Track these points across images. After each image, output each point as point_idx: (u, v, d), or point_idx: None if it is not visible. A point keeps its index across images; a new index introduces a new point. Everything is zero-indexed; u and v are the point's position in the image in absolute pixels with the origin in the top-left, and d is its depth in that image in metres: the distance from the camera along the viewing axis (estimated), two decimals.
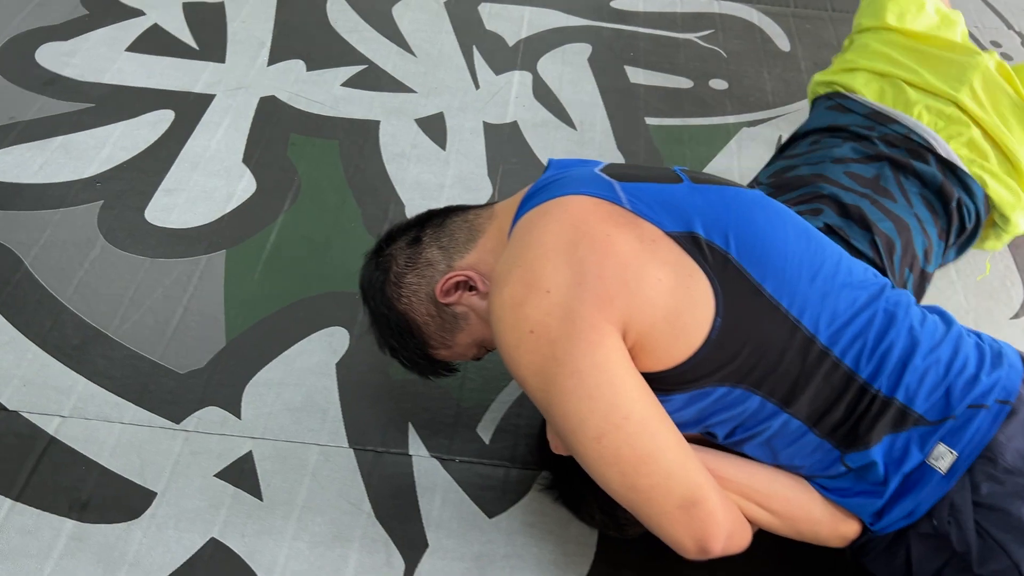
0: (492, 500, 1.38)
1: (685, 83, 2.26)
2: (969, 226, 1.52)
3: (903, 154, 1.49)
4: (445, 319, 1.22)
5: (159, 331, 1.58)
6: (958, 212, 1.49)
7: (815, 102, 1.69)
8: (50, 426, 1.42)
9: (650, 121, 2.12)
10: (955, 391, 1.05)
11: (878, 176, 1.47)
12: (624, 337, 1.04)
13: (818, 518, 1.12)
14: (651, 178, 1.16)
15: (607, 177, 1.15)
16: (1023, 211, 1.57)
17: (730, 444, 1.14)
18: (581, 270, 1.04)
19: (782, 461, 1.12)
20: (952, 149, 1.50)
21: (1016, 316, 1.72)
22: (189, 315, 1.61)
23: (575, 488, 1.30)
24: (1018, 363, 1.10)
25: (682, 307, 1.04)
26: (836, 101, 1.62)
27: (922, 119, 1.53)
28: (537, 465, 1.41)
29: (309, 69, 2.20)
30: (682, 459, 1.03)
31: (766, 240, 1.09)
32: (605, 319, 1.02)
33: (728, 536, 1.05)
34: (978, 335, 1.14)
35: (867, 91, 1.59)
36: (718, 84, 2.27)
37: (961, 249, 1.60)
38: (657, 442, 1.03)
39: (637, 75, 2.27)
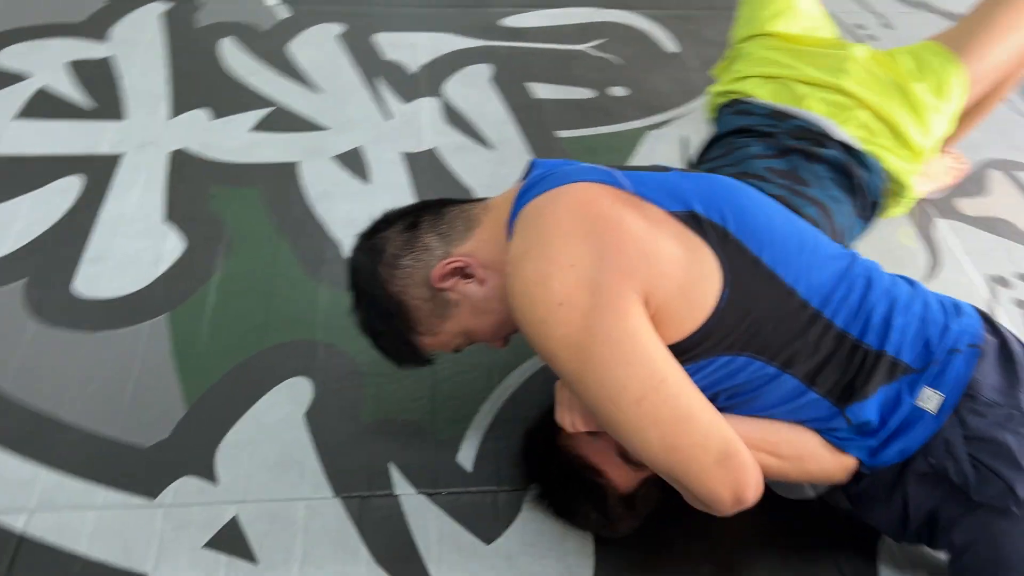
0: (487, 526, 1.40)
1: (587, 93, 2.33)
2: (871, 199, 1.65)
3: (808, 144, 1.60)
4: (437, 304, 1.25)
5: (113, 407, 1.52)
6: (863, 188, 1.61)
7: (719, 111, 1.78)
8: (17, 523, 1.36)
9: (561, 134, 2.19)
10: (932, 340, 1.17)
11: (793, 167, 1.57)
12: (645, 307, 1.09)
13: (822, 453, 1.20)
14: (643, 168, 1.24)
15: (605, 167, 1.21)
16: (914, 174, 1.71)
17: (731, 407, 1.19)
18: (601, 245, 1.09)
19: (780, 418, 1.20)
20: (847, 132, 1.63)
21: (923, 280, 1.86)
22: (142, 386, 1.56)
23: (566, 493, 1.34)
24: (974, 312, 1.23)
25: (693, 279, 1.12)
26: (737, 107, 1.72)
27: (815, 110, 1.65)
28: (525, 475, 1.44)
29: (215, 118, 2.16)
30: (712, 416, 1.09)
31: (756, 217, 1.19)
32: (630, 289, 1.08)
33: (757, 485, 1.11)
34: (935, 293, 1.27)
35: (762, 93, 1.70)
36: (618, 91, 2.35)
37: (869, 221, 1.73)
38: (691, 401, 1.08)
39: (540, 90, 2.33)
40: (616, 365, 1.07)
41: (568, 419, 1.23)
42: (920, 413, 1.15)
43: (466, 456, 1.50)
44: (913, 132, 1.63)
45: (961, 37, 1.69)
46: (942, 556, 1.36)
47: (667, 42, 2.57)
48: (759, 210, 1.21)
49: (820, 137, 1.61)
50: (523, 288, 1.11)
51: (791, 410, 1.19)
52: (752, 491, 1.10)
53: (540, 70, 2.40)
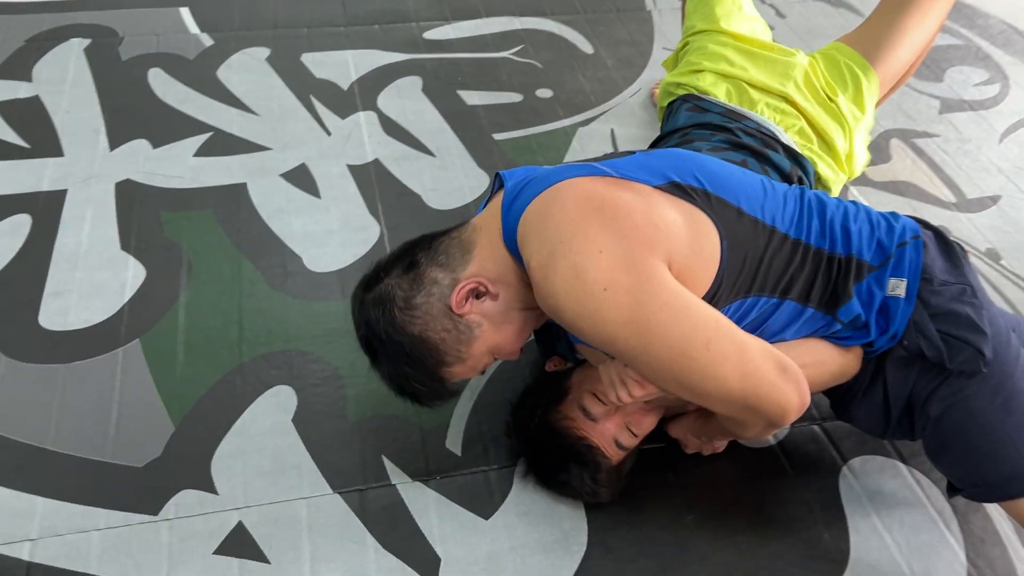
0: (483, 504, 1.48)
1: (515, 97, 2.44)
2: None
3: (759, 143, 1.73)
4: (461, 331, 1.29)
5: (100, 432, 1.54)
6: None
7: (672, 104, 1.89)
8: (22, 553, 1.37)
9: (498, 136, 2.28)
10: (883, 238, 1.33)
11: (745, 162, 1.70)
12: (668, 269, 1.20)
13: (834, 353, 1.34)
14: (610, 156, 1.35)
15: (579, 162, 1.31)
16: (840, 184, 1.87)
17: None
18: (617, 226, 1.19)
19: (789, 339, 1.34)
20: (789, 137, 1.77)
21: None
22: (126, 409, 1.58)
23: (562, 466, 1.43)
24: (902, 216, 1.40)
25: (698, 238, 1.24)
26: (693, 103, 1.84)
27: (764, 115, 1.79)
28: (517, 450, 1.52)
29: (155, 147, 2.17)
30: (759, 340, 1.23)
31: (723, 175, 1.33)
32: (656, 257, 1.19)
33: (808, 388, 1.24)
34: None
35: (717, 92, 1.82)
36: (544, 93, 2.47)
37: None
38: (741, 333, 1.21)
39: (471, 97, 2.42)
40: (677, 323, 1.17)
41: (623, 392, 1.29)
42: (894, 300, 1.31)
43: (454, 441, 1.57)
44: (839, 143, 1.79)
45: (870, 42, 1.82)
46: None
47: (582, 44, 2.70)
48: (722, 168, 1.36)
49: (769, 139, 1.74)
50: (564, 287, 1.17)
51: (797, 329, 1.33)
52: (808, 393, 1.24)
53: (468, 78, 2.50)
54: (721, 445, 1.55)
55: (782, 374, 1.21)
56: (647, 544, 1.43)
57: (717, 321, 1.20)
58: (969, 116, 2.46)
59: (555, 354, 1.60)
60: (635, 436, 1.44)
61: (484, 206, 1.40)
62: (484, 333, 1.30)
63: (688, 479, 1.53)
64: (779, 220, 1.32)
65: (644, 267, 1.18)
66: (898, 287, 1.31)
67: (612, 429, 1.42)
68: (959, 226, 2.08)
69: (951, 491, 1.41)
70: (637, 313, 1.16)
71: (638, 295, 1.16)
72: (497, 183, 1.38)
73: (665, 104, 1.88)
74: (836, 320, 1.32)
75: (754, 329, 1.31)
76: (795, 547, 1.44)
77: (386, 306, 1.29)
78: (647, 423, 1.45)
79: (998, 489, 1.33)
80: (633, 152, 1.39)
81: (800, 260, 1.31)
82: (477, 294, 1.29)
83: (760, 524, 1.47)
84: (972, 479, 1.34)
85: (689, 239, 1.23)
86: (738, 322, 1.29)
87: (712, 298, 1.26)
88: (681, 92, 1.82)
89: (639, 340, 1.18)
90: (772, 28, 2.78)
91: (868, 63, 1.79)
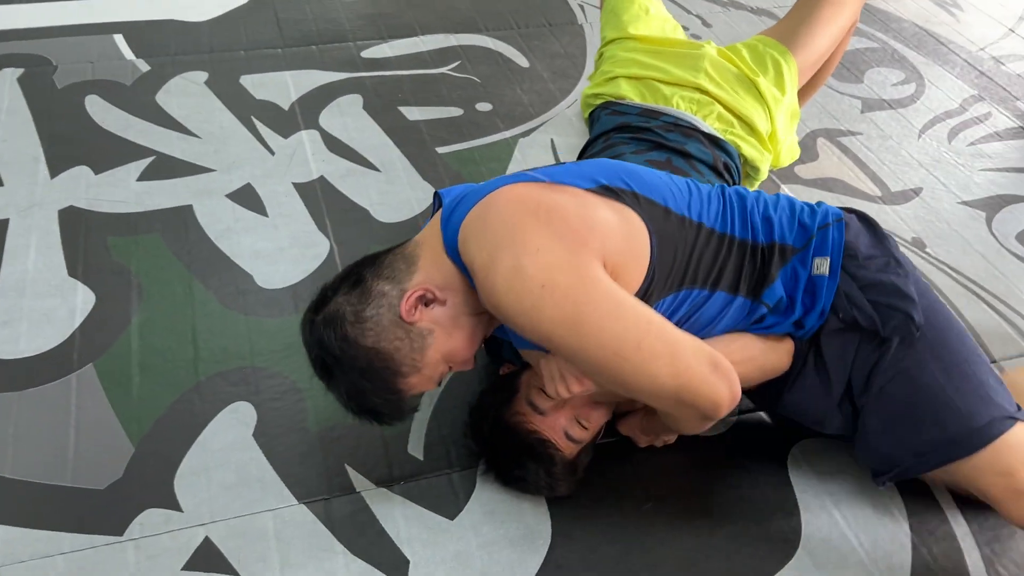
0: (448, 504, 1.51)
1: (456, 111, 2.49)
2: (734, 180, 1.88)
3: (680, 137, 1.80)
4: (413, 339, 1.31)
5: (59, 457, 1.54)
6: (727, 172, 1.84)
7: (593, 114, 1.96)
8: None
9: (441, 150, 2.33)
10: (806, 220, 1.42)
11: (669, 159, 1.77)
12: (603, 267, 1.25)
13: (764, 346, 1.41)
14: (543, 167, 1.42)
15: (513, 173, 1.36)
16: (766, 162, 1.96)
17: None
18: (552, 227, 1.24)
19: (719, 330, 1.40)
20: (709, 126, 1.85)
21: None
22: (84, 433, 1.58)
23: (518, 463, 1.47)
24: (825, 203, 1.48)
25: (630, 236, 1.30)
26: (611, 108, 1.91)
27: (679, 107, 1.86)
28: (476, 449, 1.56)
29: (97, 173, 2.17)
30: (691, 337, 1.27)
31: (648, 177, 1.40)
32: (591, 256, 1.23)
33: (738, 383, 1.29)
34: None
35: (632, 94, 1.90)
36: (483, 107, 2.52)
37: None
38: (673, 331, 1.26)
39: (412, 113, 2.47)
40: (611, 323, 1.21)
41: (562, 387, 1.33)
42: (819, 279, 1.38)
43: (415, 447, 1.60)
44: (760, 123, 1.87)
45: (789, 32, 1.95)
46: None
47: (518, 58, 2.76)
48: (648, 173, 1.43)
49: (689, 130, 1.82)
50: (505, 285, 1.21)
51: (728, 317, 1.39)
52: (739, 387, 1.28)
53: (409, 94, 2.54)
54: (671, 438, 1.60)
55: (714, 370, 1.25)
56: (609, 533, 1.48)
57: (649, 321, 1.24)
58: (889, 114, 2.58)
59: (504, 361, 1.64)
60: (585, 429, 1.48)
61: (426, 224, 1.44)
62: (436, 340, 1.33)
63: (645, 469, 1.58)
64: (705, 216, 1.39)
65: (579, 267, 1.22)
66: (822, 265, 1.38)
67: (562, 422, 1.47)
68: (885, 218, 2.19)
69: (877, 476, 1.45)
70: (572, 312, 1.20)
71: (573, 295, 1.20)
72: (437, 202, 1.43)
73: (587, 115, 1.95)
74: (762, 304, 1.38)
75: (687, 320, 1.37)
76: (749, 528, 1.50)
77: (337, 323, 1.30)
78: (597, 416, 1.49)
79: (942, 453, 1.37)
80: (563, 163, 1.46)
81: (727, 251, 1.37)
82: (426, 301, 1.32)
83: (715, 508, 1.53)
84: (917, 447, 1.38)
85: (621, 238, 1.29)
86: (672, 315, 1.34)
87: (645, 293, 1.31)
88: (598, 101, 1.89)
89: (574, 339, 1.22)
90: (698, 37, 2.90)
91: (787, 49, 1.90)
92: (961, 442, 1.35)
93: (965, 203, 2.27)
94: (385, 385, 1.32)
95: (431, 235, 1.37)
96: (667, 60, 1.91)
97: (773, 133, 1.90)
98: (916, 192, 2.29)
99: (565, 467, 1.47)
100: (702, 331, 1.39)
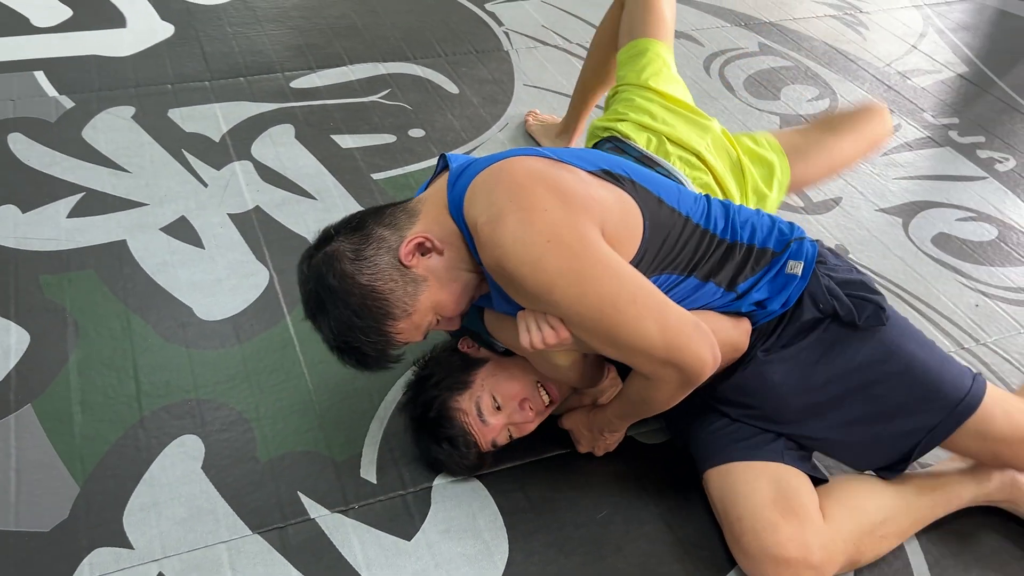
0: (404, 526, 1.51)
1: (389, 138, 2.51)
2: None
3: None
4: (408, 283, 1.36)
5: (0, 501, 1.49)
6: None
7: (596, 145, 2.01)
8: None
9: (376, 176, 2.34)
10: (784, 231, 1.52)
11: None
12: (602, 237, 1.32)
13: (726, 322, 1.47)
14: (548, 148, 1.51)
15: (522, 148, 1.45)
16: None
17: None
18: (559, 193, 1.32)
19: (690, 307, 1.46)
20: (693, 187, 1.91)
21: None
22: (25, 474, 1.54)
23: (432, 440, 1.53)
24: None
25: (625, 215, 1.38)
26: (615, 144, 1.97)
27: (675, 165, 1.93)
28: (408, 412, 1.59)
29: (25, 211, 2.12)
30: (674, 303, 1.35)
31: (644, 172, 1.50)
32: (593, 223, 1.31)
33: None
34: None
35: (638, 139, 1.95)
36: (416, 133, 2.55)
37: None
38: (661, 293, 1.34)
39: (345, 140, 2.48)
40: (609, 278, 1.29)
41: (537, 337, 1.36)
42: (791, 277, 1.47)
43: (368, 470, 1.60)
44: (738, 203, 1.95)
45: (799, 147, 1.96)
46: None
47: (447, 85, 2.80)
48: (643, 169, 1.54)
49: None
50: (511, 237, 1.27)
51: (700, 299, 1.46)
52: (719, 353, 1.35)
53: (341, 123, 2.55)
54: (613, 443, 1.64)
55: (697, 329, 1.33)
56: (565, 544, 1.50)
57: (643, 282, 1.33)
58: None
59: (465, 333, 1.64)
60: (511, 439, 1.56)
61: (426, 186, 1.50)
62: (430, 288, 1.38)
63: (596, 480, 1.62)
64: (692, 213, 1.48)
65: (582, 227, 1.30)
66: (795, 267, 1.48)
67: (494, 432, 1.53)
68: (809, 227, 2.28)
69: (894, 467, 1.52)
70: (575, 264, 1.27)
71: (577, 249, 1.28)
72: (441, 163, 1.49)
73: (591, 144, 2.01)
74: (734, 292, 1.47)
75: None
76: (700, 529, 1.54)
77: (337, 259, 1.36)
78: (527, 429, 1.56)
79: (952, 420, 1.45)
80: (568, 147, 1.53)
81: (707, 245, 1.46)
82: (424, 250, 1.38)
83: (666, 513, 1.57)
84: (928, 422, 1.46)
85: (618, 213, 1.38)
86: None
87: (636, 267, 1.39)
88: (605, 134, 1.95)
89: (576, 289, 1.28)
90: None
91: (786, 156, 1.93)
92: (964, 403, 1.45)
93: (883, 210, 2.38)
94: (375, 325, 1.36)
95: (434, 193, 1.43)
96: (678, 119, 1.97)
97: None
98: (836, 202, 2.40)
99: (473, 457, 1.54)
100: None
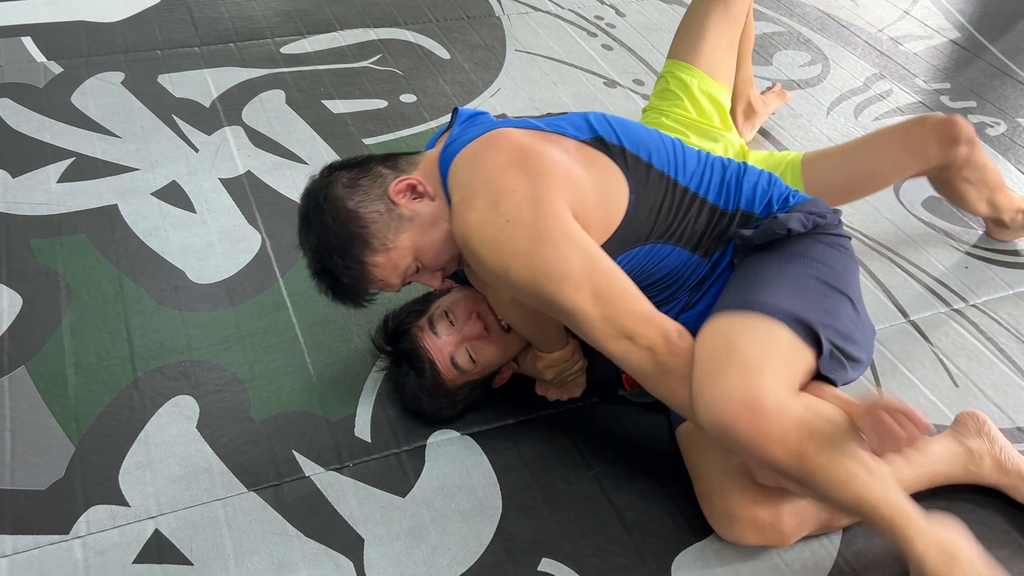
0: (398, 483, 1.53)
1: (380, 104, 2.50)
2: None
3: None
4: (392, 218, 1.40)
5: None
6: None
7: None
8: None
9: (368, 141, 2.34)
10: (775, 198, 1.51)
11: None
12: (573, 216, 1.33)
13: None
14: (546, 116, 1.54)
15: (517, 118, 1.48)
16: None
17: (643, 279, 1.45)
18: (534, 173, 1.35)
19: (662, 273, 1.49)
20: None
21: None
22: (20, 435, 1.55)
23: (393, 362, 1.59)
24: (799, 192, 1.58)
25: (607, 192, 1.40)
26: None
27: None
28: (376, 346, 1.65)
29: (15, 176, 2.11)
30: (633, 288, 1.34)
31: (639, 131, 1.51)
32: (562, 201, 1.34)
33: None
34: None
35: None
36: (407, 98, 2.54)
37: None
38: (619, 278, 1.33)
39: (337, 106, 2.47)
40: (557, 260, 1.30)
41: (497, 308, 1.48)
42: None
43: (362, 429, 1.61)
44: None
45: (817, 156, 1.92)
46: None
47: (438, 50, 2.78)
48: (638, 127, 1.53)
49: None
50: (476, 218, 1.32)
51: (685, 269, 1.49)
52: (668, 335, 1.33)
53: (332, 88, 2.54)
54: (577, 390, 1.65)
55: (648, 320, 1.31)
56: (558, 499, 1.52)
57: (595, 266, 1.31)
58: (798, 94, 2.69)
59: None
60: (473, 362, 1.55)
61: (435, 140, 1.58)
62: (413, 228, 1.41)
63: (588, 436, 1.63)
64: (682, 174, 1.49)
65: (546, 205, 1.32)
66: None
67: (450, 348, 1.55)
68: None
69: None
70: (529, 246, 1.30)
71: (534, 231, 1.30)
72: (454, 116, 1.54)
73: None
74: (709, 262, 1.48)
75: (650, 267, 1.47)
76: (689, 487, 1.55)
77: (332, 184, 1.43)
78: (488, 351, 1.57)
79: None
80: (566, 113, 1.55)
81: (696, 213, 1.47)
82: (415, 193, 1.42)
83: (656, 469, 1.58)
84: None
85: (597, 193, 1.39)
86: (638, 264, 1.44)
87: (613, 244, 1.40)
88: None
89: (528, 272, 1.30)
90: (613, 27, 2.97)
91: (800, 175, 1.89)
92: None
93: None
94: (352, 252, 1.40)
95: (431, 153, 1.49)
96: (692, 131, 2.02)
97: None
98: None
99: (439, 388, 1.56)
100: (649, 273, 1.48)
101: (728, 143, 1.98)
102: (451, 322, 1.56)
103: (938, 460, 1.50)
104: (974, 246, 2.16)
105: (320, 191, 1.43)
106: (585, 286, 1.29)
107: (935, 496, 1.51)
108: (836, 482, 1.24)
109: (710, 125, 2.02)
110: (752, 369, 1.25)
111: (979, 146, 1.87)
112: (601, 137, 1.46)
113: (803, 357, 1.34)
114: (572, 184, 1.37)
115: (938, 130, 1.82)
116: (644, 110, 2.13)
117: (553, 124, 1.47)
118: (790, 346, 1.32)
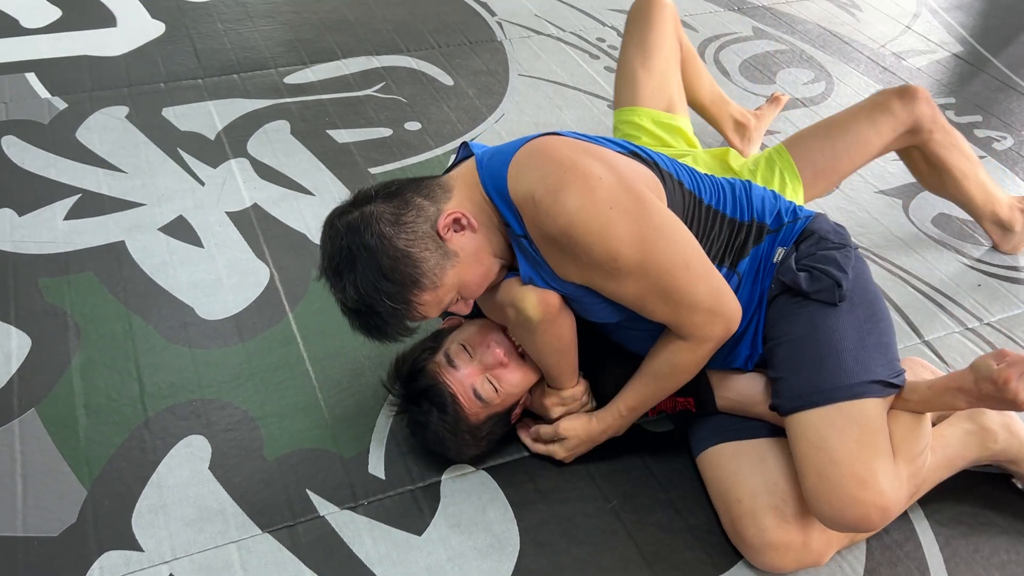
0: (414, 521, 1.51)
1: (385, 132, 2.50)
2: None
3: None
4: (440, 255, 1.37)
5: (7, 507, 1.48)
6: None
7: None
8: None
9: (374, 171, 2.33)
10: (782, 210, 1.57)
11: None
12: None
13: None
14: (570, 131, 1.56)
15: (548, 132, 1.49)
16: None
17: None
18: (606, 163, 1.38)
19: None
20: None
21: None
22: (32, 479, 1.53)
23: (412, 403, 1.53)
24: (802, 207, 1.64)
25: (656, 189, 1.46)
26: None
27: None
28: (391, 390, 1.60)
29: (21, 214, 2.10)
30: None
31: (663, 156, 1.57)
32: (643, 185, 1.40)
33: None
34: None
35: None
36: (412, 126, 2.53)
37: None
38: (703, 252, 1.43)
39: (342, 135, 2.46)
40: (667, 244, 1.37)
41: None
42: (775, 266, 1.52)
43: (376, 466, 1.60)
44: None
45: (809, 164, 1.92)
46: None
47: (442, 77, 2.78)
48: (661, 153, 1.58)
49: None
50: (576, 205, 1.31)
51: None
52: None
53: (336, 118, 2.53)
54: (562, 452, 1.60)
55: (731, 293, 1.43)
56: (576, 534, 1.50)
57: (695, 248, 1.41)
58: (803, 112, 2.69)
59: (449, 314, 1.62)
60: (496, 391, 1.52)
61: (449, 170, 1.51)
62: (459, 264, 1.38)
63: (605, 469, 1.61)
64: (704, 192, 1.53)
65: (638, 191, 1.38)
66: (779, 255, 1.52)
67: (472, 380, 1.51)
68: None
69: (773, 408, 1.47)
70: (638, 230, 1.34)
71: (638, 214, 1.35)
72: (463, 151, 1.51)
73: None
74: (735, 274, 1.51)
75: None
76: (711, 516, 1.53)
77: (376, 220, 1.35)
78: (511, 379, 1.53)
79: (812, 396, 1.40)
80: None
81: (718, 227, 1.52)
82: (459, 226, 1.39)
83: (676, 500, 1.56)
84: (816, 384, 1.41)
85: (653, 188, 1.44)
86: None
87: None
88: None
89: (638, 256, 1.34)
90: (615, 48, 2.97)
91: (799, 178, 1.90)
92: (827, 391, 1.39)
93: (882, 192, 2.37)
94: (400, 291, 1.35)
95: (465, 173, 1.45)
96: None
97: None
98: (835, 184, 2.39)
99: (463, 424, 1.51)
100: None
101: (697, 155, 1.96)
102: (469, 355, 1.52)
103: (952, 444, 1.52)
104: (985, 263, 2.14)
105: (366, 229, 1.34)
106: (693, 264, 1.37)
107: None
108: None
109: (676, 148, 2.02)
110: (866, 477, 1.32)
111: (940, 111, 1.95)
112: (635, 151, 1.51)
113: (888, 404, 1.43)
114: (639, 174, 1.41)
115: (896, 91, 1.93)
116: None
117: (588, 136, 1.51)
118: (878, 412, 1.40)
